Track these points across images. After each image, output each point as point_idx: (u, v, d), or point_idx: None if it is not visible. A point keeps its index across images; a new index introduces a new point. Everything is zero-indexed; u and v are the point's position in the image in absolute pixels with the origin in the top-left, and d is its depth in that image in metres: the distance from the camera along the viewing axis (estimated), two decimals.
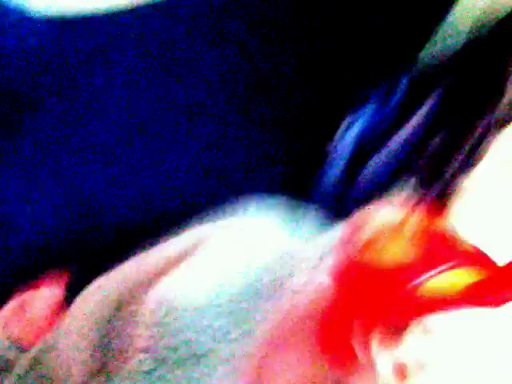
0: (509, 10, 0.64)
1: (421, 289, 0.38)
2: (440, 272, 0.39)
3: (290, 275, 0.45)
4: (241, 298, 0.43)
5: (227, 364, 0.41)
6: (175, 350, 0.41)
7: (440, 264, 0.39)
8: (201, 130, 0.66)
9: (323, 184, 0.63)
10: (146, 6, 0.76)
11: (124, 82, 0.71)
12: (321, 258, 0.47)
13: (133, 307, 0.44)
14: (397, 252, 0.40)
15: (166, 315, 0.42)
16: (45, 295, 0.51)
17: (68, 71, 0.74)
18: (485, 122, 0.59)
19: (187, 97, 0.69)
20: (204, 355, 0.41)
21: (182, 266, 0.45)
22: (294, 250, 0.48)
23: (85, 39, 0.74)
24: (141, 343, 0.42)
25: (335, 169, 0.64)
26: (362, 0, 0.71)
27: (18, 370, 0.45)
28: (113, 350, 0.42)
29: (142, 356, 0.41)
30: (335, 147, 0.65)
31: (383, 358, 0.38)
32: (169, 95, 0.69)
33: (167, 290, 0.43)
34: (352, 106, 0.67)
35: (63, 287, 0.51)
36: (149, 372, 0.41)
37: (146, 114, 0.68)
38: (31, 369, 0.45)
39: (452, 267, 0.39)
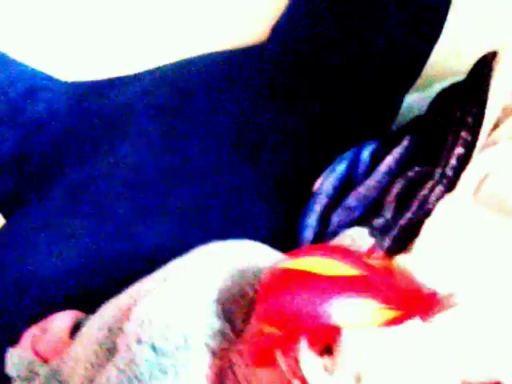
0: None
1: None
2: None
3: None
4: None
5: None
6: None
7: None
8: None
9: (303, 225, 0.71)
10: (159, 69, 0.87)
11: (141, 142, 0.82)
12: None
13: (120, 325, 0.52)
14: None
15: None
16: (60, 324, 0.61)
17: (91, 133, 0.85)
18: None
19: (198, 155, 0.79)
20: None
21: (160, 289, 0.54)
22: None
23: (104, 102, 0.85)
24: None
25: (314, 213, 0.72)
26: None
27: (42, 378, 0.56)
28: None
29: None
30: (316, 193, 0.73)
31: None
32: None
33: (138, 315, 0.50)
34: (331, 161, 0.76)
35: (73, 320, 0.61)
36: None
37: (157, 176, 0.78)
38: (52, 376, 0.56)
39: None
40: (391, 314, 0.44)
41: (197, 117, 0.83)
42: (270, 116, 0.82)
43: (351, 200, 0.68)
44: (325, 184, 0.73)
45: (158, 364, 0.47)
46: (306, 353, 0.43)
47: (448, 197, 0.66)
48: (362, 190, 0.69)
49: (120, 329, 0.52)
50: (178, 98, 0.84)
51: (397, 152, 0.71)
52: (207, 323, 0.49)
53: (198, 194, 0.76)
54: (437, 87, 0.86)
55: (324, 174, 0.75)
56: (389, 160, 0.70)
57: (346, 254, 0.48)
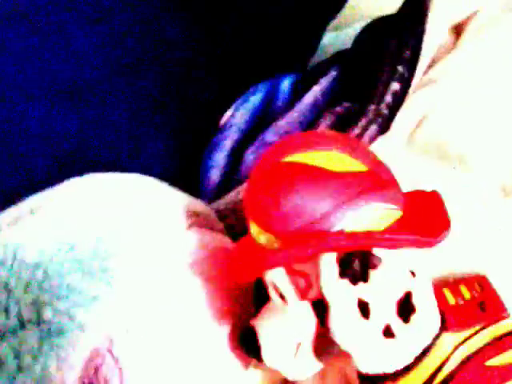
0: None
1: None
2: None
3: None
4: (89, 257, 0.40)
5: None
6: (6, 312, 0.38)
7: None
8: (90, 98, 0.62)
9: (209, 165, 0.61)
10: None
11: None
12: None
13: None
14: None
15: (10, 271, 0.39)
16: None
17: None
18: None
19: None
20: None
21: (31, 218, 0.42)
22: None
23: None
24: None
25: (222, 151, 0.61)
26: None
27: None
28: None
29: None
30: (224, 127, 0.63)
31: (346, 293, 0.37)
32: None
33: (8, 241, 0.40)
34: (243, 89, 0.66)
35: None
36: None
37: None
38: None
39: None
40: (398, 214, 0.40)
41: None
42: (169, 33, 0.69)
43: (270, 135, 0.59)
44: (236, 116, 0.63)
45: None
46: (331, 271, 0.38)
47: (381, 139, 0.59)
48: (282, 123, 0.59)
49: None
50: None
51: (324, 82, 0.62)
52: None
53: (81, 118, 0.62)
54: (356, 27, 0.79)
55: (234, 106, 0.64)
56: (315, 90, 0.61)
57: (352, 143, 0.43)
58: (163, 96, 0.65)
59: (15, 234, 0.42)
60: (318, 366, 0.42)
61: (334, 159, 0.40)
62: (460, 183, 0.53)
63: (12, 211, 0.45)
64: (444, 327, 0.39)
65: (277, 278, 0.40)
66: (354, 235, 0.38)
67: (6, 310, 0.39)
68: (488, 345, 0.39)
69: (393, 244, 0.38)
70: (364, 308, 0.38)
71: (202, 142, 0.63)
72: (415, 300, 0.38)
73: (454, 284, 0.42)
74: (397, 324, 0.38)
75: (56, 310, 0.39)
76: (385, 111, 0.60)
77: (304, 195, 0.38)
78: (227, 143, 0.61)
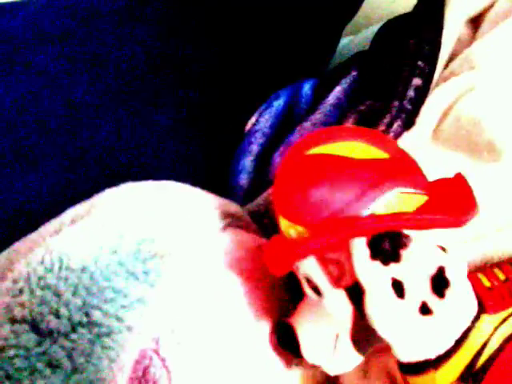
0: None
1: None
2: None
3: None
4: (132, 259, 0.42)
5: (126, 332, 0.41)
6: (57, 316, 0.40)
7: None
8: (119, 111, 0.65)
9: (238, 170, 0.63)
10: None
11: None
12: None
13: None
14: None
15: (47, 273, 0.41)
16: None
17: None
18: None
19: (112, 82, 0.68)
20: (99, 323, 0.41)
21: (73, 226, 0.45)
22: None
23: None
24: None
25: (249, 155, 0.64)
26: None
27: None
28: None
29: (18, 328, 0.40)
30: (249, 132, 0.65)
31: (379, 274, 0.39)
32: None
33: (53, 248, 0.43)
34: (266, 96, 0.68)
35: None
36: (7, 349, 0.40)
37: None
38: None
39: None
40: (423, 198, 0.41)
41: (101, 46, 0.71)
42: (188, 47, 0.72)
43: (295, 137, 0.61)
44: (260, 122, 0.66)
45: None
46: (363, 254, 0.40)
47: (406, 135, 0.61)
48: (307, 125, 0.62)
49: None
50: (77, 25, 0.72)
51: (345, 83, 0.65)
52: None
53: (102, 134, 0.65)
54: (372, 29, 0.81)
55: (258, 111, 0.67)
56: (337, 91, 0.64)
57: (373, 134, 0.44)
58: (188, 107, 0.68)
59: (59, 241, 0.44)
60: (358, 358, 0.43)
61: (356, 149, 0.42)
62: (489, 173, 0.54)
63: (54, 222, 0.48)
64: (482, 309, 0.41)
65: (309, 268, 0.42)
66: (381, 217, 0.40)
67: (57, 314, 0.41)
68: None
69: (421, 224, 0.40)
70: (398, 288, 0.39)
71: (228, 150, 0.65)
72: (448, 274, 0.39)
73: (487, 268, 0.43)
74: (432, 300, 0.39)
75: (104, 312, 0.41)
76: (408, 106, 0.62)
77: (330, 184, 0.40)
78: (253, 148, 0.64)
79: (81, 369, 0.40)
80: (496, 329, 0.40)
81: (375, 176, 0.40)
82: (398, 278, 0.39)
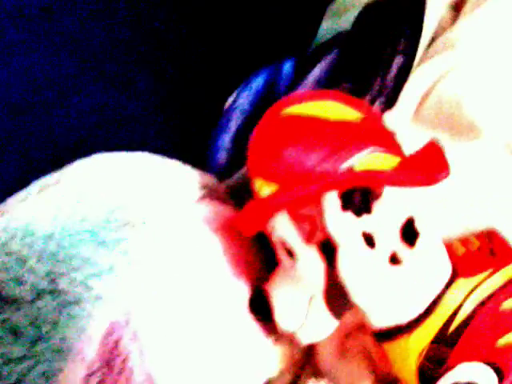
0: None
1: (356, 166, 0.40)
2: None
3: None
4: (102, 227, 0.41)
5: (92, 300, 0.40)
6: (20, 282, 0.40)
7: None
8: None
9: (216, 147, 0.63)
10: None
11: None
12: None
13: None
14: None
15: (11, 240, 0.40)
16: None
17: None
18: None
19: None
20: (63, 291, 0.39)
21: (40, 195, 0.44)
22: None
23: None
24: None
25: (228, 133, 0.63)
26: None
27: None
28: None
29: None
30: (228, 110, 0.65)
31: (350, 225, 0.39)
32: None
33: (18, 216, 0.42)
34: (246, 75, 0.68)
35: None
36: None
37: None
38: None
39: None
40: (396, 160, 0.42)
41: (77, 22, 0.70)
42: (169, 20, 0.71)
43: None
44: (240, 99, 0.65)
45: None
46: (334, 206, 0.40)
47: (387, 114, 0.61)
48: None
49: None
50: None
51: (326, 62, 0.64)
52: None
53: (78, 107, 0.64)
54: (352, 13, 0.81)
55: (238, 90, 0.66)
56: (318, 70, 0.63)
57: (348, 97, 0.45)
58: (167, 82, 0.68)
59: (24, 209, 0.43)
60: (332, 323, 0.43)
61: (331, 109, 0.42)
62: (469, 152, 0.55)
63: (21, 193, 0.46)
64: (456, 274, 0.41)
65: (282, 226, 0.42)
66: (354, 172, 0.40)
67: (21, 281, 0.40)
68: (501, 288, 0.40)
69: (393, 180, 0.40)
70: (369, 239, 0.40)
71: (206, 127, 0.65)
72: (418, 225, 0.40)
73: (463, 237, 0.44)
74: (402, 249, 0.40)
75: (72, 280, 0.40)
76: (390, 85, 0.62)
77: (304, 142, 0.41)
78: (232, 126, 0.63)
79: (46, 337, 0.39)
80: (470, 294, 0.40)
81: (349, 136, 0.41)
82: (369, 229, 0.40)
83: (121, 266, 0.41)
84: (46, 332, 0.39)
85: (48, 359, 0.39)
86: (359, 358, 0.49)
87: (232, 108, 0.65)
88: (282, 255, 0.43)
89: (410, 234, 0.40)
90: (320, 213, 0.40)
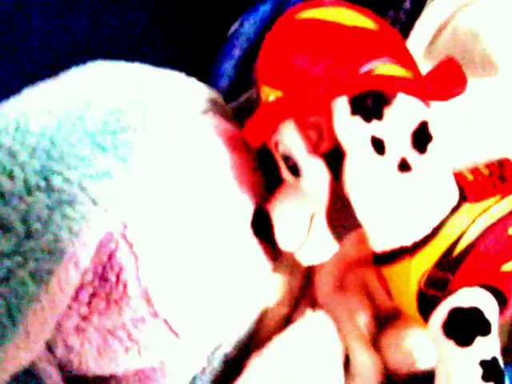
0: None
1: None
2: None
3: None
4: (100, 130, 0.40)
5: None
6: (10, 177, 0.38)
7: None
8: None
9: (218, 73, 0.62)
10: None
11: None
12: None
13: None
14: None
15: (1, 133, 0.39)
16: None
17: None
18: None
19: None
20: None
21: (34, 92, 0.43)
22: None
23: None
24: None
25: (231, 59, 0.62)
26: None
27: None
28: None
29: None
30: (233, 36, 0.64)
31: (359, 131, 0.38)
32: None
33: (9, 110, 0.40)
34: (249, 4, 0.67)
35: None
36: None
37: None
38: None
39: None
40: (409, 74, 0.41)
41: None
42: None
43: None
44: (245, 26, 0.63)
45: None
46: (344, 111, 0.39)
47: None
48: None
49: None
50: None
51: None
52: None
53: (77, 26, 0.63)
54: None
55: (243, 16, 0.65)
56: None
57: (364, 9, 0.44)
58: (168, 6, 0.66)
59: (16, 104, 0.42)
60: (333, 245, 0.43)
61: (346, 15, 0.41)
62: (484, 88, 0.54)
63: (14, 98, 0.45)
64: (463, 198, 0.41)
65: (287, 137, 0.41)
66: (368, 76, 0.39)
67: (11, 175, 0.39)
68: (509, 214, 0.40)
69: (407, 87, 0.39)
70: (378, 145, 0.39)
71: (209, 54, 0.64)
72: (431, 129, 0.39)
73: (473, 167, 0.43)
74: (413, 156, 0.39)
75: (66, 179, 0.39)
76: (403, 17, 0.61)
77: (315, 48, 0.40)
78: (236, 52, 0.62)
79: (36, 235, 0.38)
80: (476, 219, 0.40)
81: (366, 42, 0.40)
82: (379, 135, 0.39)
83: (118, 172, 0.40)
84: (36, 229, 0.38)
85: (38, 258, 0.38)
86: (357, 292, 0.49)
87: (237, 34, 0.63)
88: (285, 173, 0.43)
89: (422, 138, 0.39)
90: (328, 119, 0.39)
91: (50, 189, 0.39)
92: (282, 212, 0.43)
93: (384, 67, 0.40)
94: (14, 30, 0.62)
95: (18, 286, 0.38)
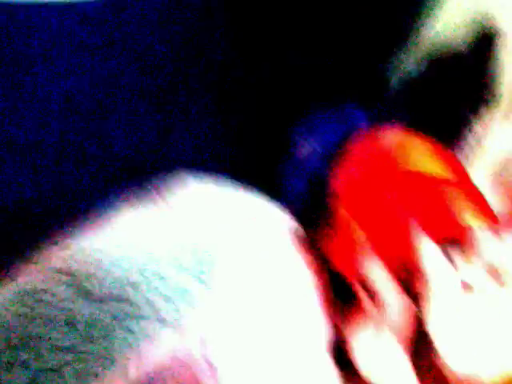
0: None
1: None
2: None
3: None
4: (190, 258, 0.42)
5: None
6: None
7: None
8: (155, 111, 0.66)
9: (292, 193, 0.63)
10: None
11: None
12: None
13: None
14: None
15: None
16: None
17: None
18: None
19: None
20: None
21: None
22: None
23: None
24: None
25: (303, 179, 0.64)
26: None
27: None
28: None
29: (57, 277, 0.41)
30: (301, 154, 0.66)
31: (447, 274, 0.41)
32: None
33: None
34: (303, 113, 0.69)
35: None
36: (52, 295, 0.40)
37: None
38: None
39: None
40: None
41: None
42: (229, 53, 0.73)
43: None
44: (313, 143, 0.66)
45: None
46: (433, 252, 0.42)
47: None
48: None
49: None
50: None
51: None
52: None
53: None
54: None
55: (312, 133, 0.68)
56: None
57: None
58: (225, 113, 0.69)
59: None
60: (411, 374, 0.43)
61: (430, 162, 0.46)
62: None
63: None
64: None
65: (371, 268, 0.43)
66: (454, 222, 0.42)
67: (99, 278, 0.41)
68: None
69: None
70: (466, 285, 0.42)
71: (268, 158, 0.66)
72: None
73: None
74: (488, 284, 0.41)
75: (139, 293, 0.40)
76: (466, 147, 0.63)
77: (403, 192, 0.44)
78: (306, 171, 0.64)
79: (95, 340, 0.39)
80: None
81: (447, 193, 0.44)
82: (466, 278, 0.41)
83: (200, 297, 0.41)
84: (97, 336, 0.39)
85: (89, 360, 0.39)
86: None
87: (305, 151, 0.66)
88: (365, 301, 0.44)
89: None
90: (416, 259, 0.41)
91: (121, 299, 0.40)
92: (363, 343, 0.43)
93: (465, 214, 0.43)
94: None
95: (60, 380, 0.39)
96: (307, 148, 0.65)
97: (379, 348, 0.43)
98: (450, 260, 0.42)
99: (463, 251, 0.42)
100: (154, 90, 0.68)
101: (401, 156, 0.46)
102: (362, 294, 0.44)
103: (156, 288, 0.41)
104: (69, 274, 0.41)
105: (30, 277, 0.42)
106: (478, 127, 0.65)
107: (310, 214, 0.60)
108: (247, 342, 0.42)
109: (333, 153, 0.67)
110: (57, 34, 0.71)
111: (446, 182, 0.45)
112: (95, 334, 0.39)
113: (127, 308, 0.40)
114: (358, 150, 0.47)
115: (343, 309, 0.46)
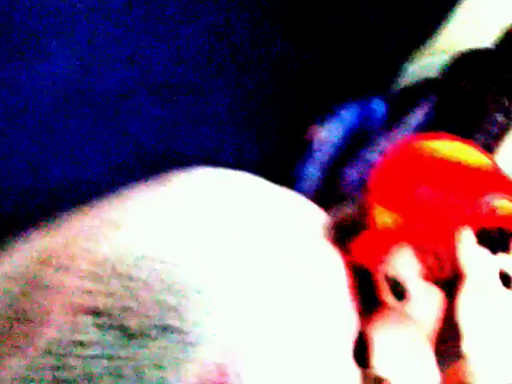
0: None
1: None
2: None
3: None
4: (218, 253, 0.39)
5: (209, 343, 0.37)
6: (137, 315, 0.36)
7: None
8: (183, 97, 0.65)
9: (303, 178, 0.63)
10: None
11: None
12: None
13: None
14: None
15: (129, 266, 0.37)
16: None
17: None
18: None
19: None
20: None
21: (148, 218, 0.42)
22: None
23: None
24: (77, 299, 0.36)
25: (316, 164, 0.63)
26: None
27: None
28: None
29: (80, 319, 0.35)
30: (317, 141, 0.65)
31: (486, 262, 0.40)
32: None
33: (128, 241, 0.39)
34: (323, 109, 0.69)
35: None
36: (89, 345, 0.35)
37: None
38: None
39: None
40: None
41: (162, 21, 0.70)
42: (258, 39, 0.72)
43: (372, 154, 0.61)
44: (330, 132, 0.65)
45: None
46: (470, 242, 0.40)
47: None
48: (385, 142, 0.62)
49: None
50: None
51: (426, 106, 0.65)
52: None
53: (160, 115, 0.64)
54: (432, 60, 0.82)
55: (327, 121, 0.66)
56: (419, 114, 0.64)
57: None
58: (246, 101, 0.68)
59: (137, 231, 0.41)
60: (436, 375, 0.42)
61: (463, 150, 0.44)
62: None
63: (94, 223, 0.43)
64: None
65: (400, 259, 0.42)
66: (496, 211, 0.41)
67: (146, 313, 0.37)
68: None
69: None
70: (506, 278, 0.40)
71: (284, 153, 0.65)
72: None
73: None
74: None
75: (186, 318, 0.37)
76: (490, 142, 0.62)
77: (437, 180, 0.42)
78: (321, 157, 0.63)
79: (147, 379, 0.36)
80: None
81: (482, 179, 0.42)
82: (507, 269, 0.40)
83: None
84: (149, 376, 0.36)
85: None
86: None
87: (321, 140, 0.65)
88: (386, 295, 0.43)
89: None
90: (449, 248, 0.40)
91: (169, 329, 0.37)
92: (383, 338, 0.42)
93: (501, 201, 0.41)
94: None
95: None
96: (325, 138, 0.65)
97: (401, 344, 0.43)
98: (488, 250, 0.41)
99: (502, 241, 0.41)
100: (180, 80, 0.66)
101: (434, 147, 0.45)
102: (385, 287, 0.43)
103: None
104: (112, 315, 0.36)
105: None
106: (502, 121, 0.64)
107: (325, 201, 0.59)
108: (278, 345, 0.40)
109: (348, 141, 0.67)
110: None
111: (482, 170, 0.44)
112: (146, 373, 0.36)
113: (178, 336, 0.37)
114: (391, 148, 0.47)
115: (365, 304, 0.46)
